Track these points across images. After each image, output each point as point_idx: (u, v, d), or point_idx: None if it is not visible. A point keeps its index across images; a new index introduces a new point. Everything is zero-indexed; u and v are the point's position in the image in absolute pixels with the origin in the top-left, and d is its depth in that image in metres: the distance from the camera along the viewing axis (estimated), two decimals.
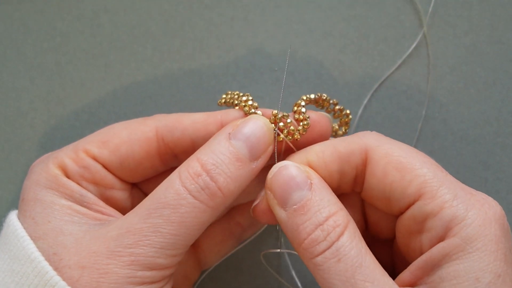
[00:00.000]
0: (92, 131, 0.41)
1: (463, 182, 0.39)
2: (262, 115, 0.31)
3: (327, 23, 0.41)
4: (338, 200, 0.28)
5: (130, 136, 0.31)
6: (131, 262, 0.26)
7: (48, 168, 0.31)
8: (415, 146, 0.40)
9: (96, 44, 0.42)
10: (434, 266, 0.26)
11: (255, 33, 0.41)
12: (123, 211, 0.34)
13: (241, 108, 0.31)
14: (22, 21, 0.42)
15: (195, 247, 0.36)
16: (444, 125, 0.40)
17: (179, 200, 0.27)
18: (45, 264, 0.27)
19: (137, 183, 0.34)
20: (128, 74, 0.42)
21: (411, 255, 0.29)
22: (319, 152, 0.29)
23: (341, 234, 0.26)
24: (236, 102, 0.32)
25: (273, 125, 0.30)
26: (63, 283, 0.26)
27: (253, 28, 0.41)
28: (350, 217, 0.27)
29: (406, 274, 0.27)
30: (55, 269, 0.27)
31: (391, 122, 0.41)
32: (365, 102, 0.41)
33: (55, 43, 0.42)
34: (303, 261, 0.27)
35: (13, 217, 0.30)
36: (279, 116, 0.31)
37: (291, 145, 0.31)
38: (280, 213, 0.28)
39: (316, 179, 0.28)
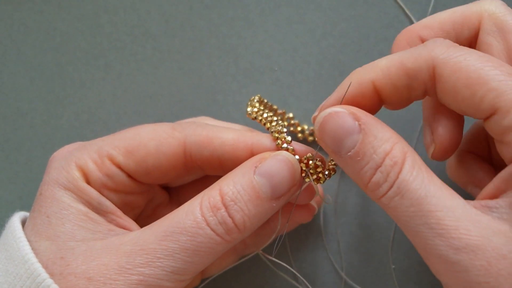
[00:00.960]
0: (92, 131, 0.42)
1: None
2: (293, 150, 0.30)
3: (327, 23, 0.41)
4: (392, 131, 0.27)
5: (157, 149, 0.31)
6: (139, 282, 0.26)
7: (69, 168, 0.30)
8: (415, 147, 0.40)
9: (96, 44, 0.42)
10: None
11: (255, 33, 0.41)
12: (139, 209, 0.34)
13: (274, 139, 0.30)
14: (22, 21, 0.42)
15: None
16: None
17: (197, 229, 0.27)
18: (38, 266, 0.27)
19: None
20: (128, 74, 0.42)
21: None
22: (384, 69, 0.28)
23: (400, 170, 0.25)
24: (268, 125, 0.31)
25: (302, 164, 0.30)
26: (55, 286, 0.26)
27: (253, 28, 0.41)
28: (407, 148, 0.26)
29: (490, 187, 0.26)
30: (60, 274, 0.27)
31: (391, 122, 0.40)
32: None
33: (55, 43, 0.42)
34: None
35: (15, 218, 0.30)
36: (311, 161, 0.30)
37: (316, 188, 0.31)
38: (338, 160, 0.27)
39: (364, 118, 0.27)
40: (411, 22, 0.41)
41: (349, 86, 0.28)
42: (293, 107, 0.41)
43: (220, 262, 0.36)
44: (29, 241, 0.28)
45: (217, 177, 0.30)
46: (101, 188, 0.30)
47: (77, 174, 0.30)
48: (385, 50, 0.41)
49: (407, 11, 0.41)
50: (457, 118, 0.30)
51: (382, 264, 0.39)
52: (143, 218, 0.35)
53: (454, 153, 0.31)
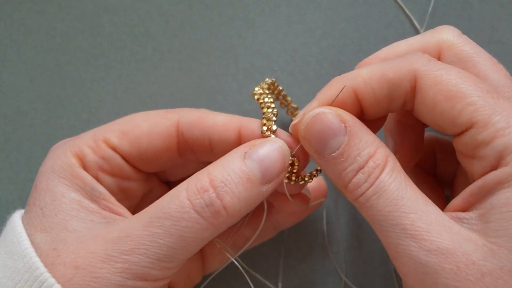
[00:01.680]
0: None
1: None
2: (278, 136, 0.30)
3: (327, 23, 0.41)
4: (374, 136, 0.27)
5: (151, 129, 0.31)
6: (124, 270, 0.26)
7: (65, 155, 0.30)
8: None
9: (96, 44, 0.42)
10: (486, 193, 0.25)
11: (255, 33, 0.41)
12: (136, 199, 0.34)
13: (261, 125, 0.31)
14: (22, 21, 0.42)
15: (202, 251, 0.36)
16: None
17: (182, 214, 0.26)
18: (37, 260, 0.27)
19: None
20: (128, 74, 0.42)
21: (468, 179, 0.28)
22: (366, 78, 0.28)
23: (381, 172, 0.26)
24: (264, 110, 0.32)
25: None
26: (52, 280, 0.26)
27: (253, 28, 0.41)
28: (388, 152, 0.27)
29: (458, 200, 0.27)
30: (51, 264, 0.27)
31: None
32: None
33: (55, 43, 0.42)
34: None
35: (16, 215, 0.30)
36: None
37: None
38: (320, 160, 0.28)
39: (350, 121, 0.27)
40: (411, 22, 0.41)
41: (342, 90, 0.28)
42: None
43: (221, 258, 0.36)
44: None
45: None
46: (97, 172, 0.31)
47: (72, 161, 0.30)
48: None
49: (407, 11, 0.41)
50: (420, 131, 0.32)
51: (382, 264, 0.39)
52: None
53: (416, 162, 0.32)
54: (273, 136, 0.30)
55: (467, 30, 0.41)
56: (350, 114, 0.28)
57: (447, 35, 0.31)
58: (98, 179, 0.31)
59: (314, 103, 0.29)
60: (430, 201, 0.26)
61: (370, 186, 0.26)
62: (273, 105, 0.32)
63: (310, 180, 0.31)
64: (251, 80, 0.41)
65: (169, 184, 0.37)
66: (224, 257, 0.36)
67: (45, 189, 0.29)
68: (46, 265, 0.27)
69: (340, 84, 0.28)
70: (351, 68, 0.41)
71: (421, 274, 0.25)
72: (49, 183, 0.29)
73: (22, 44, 0.42)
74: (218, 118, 0.31)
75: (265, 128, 0.30)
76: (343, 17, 0.41)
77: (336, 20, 0.41)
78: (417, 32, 0.41)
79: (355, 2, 0.41)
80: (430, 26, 0.41)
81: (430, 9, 0.41)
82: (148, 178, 0.34)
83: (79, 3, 0.42)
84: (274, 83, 0.37)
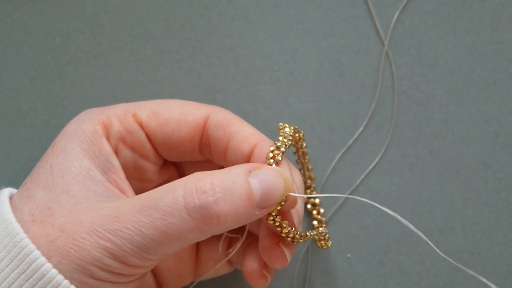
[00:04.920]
0: None
1: (463, 182, 0.40)
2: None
3: (327, 23, 0.41)
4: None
5: (181, 116, 0.32)
6: (105, 248, 0.26)
7: (91, 121, 0.31)
8: (415, 146, 0.40)
9: (96, 44, 0.42)
10: None
11: (255, 33, 0.41)
12: (149, 183, 0.34)
13: (270, 150, 0.30)
14: (22, 21, 0.42)
15: (198, 255, 0.36)
16: (444, 125, 0.40)
17: (172, 209, 0.26)
18: (16, 225, 0.27)
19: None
20: (128, 74, 0.42)
21: None
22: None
23: None
24: (280, 138, 0.31)
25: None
26: (32, 246, 0.26)
27: (253, 28, 0.41)
28: None
29: None
30: (41, 222, 0.27)
31: (391, 121, 0.41)
32: (365, 101, 0.41)
33: (55, 43, 0.42)
34: None
35: (5, 189, 0.31)
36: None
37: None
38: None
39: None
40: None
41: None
42: (293, 107, 0.41)
43: (212, 266, 0.36)
44: (27, 188, 0.29)
45: None
46: (118, 141, 0.31)
47: (97, 128, 0.31)
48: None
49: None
50: None
51: (382, 264, 0.39)
52: None
53: None
54: (274, 165, 0.30)
55: (467, 30, 0.41)
56: None
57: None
58: (117, 150, 0.31)
59: None
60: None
61: None
62: (290, 138, 0.31)
63: (289, 234, 0.30)
64: (251, 80, 0.41)
65: None
66: (216, 268, 0.36)
67: (61, 148, 0.30)
68: (35, 221, 0.27)
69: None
70: (351, 68, 0.41)
71: None
72: (67, 144, 0.30)
73: (22, 44, 0.42)
74: (244, 127, 0.32)
75: (271, 154, 0.30)
76: (343, 17, 0.41)
77: (336, 20, 0.41)
78: None
79: (355, 2, 0.41)
80: (430, 25, 0.41)
81: (430, 9, 0.41)
82: (166, 166, 0.35)
83: (79, 3, 0.42)
84: (300, 133, 0.36)
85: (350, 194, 0.40)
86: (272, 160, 0.30)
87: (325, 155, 0.40)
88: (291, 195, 0.30)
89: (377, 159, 0.40)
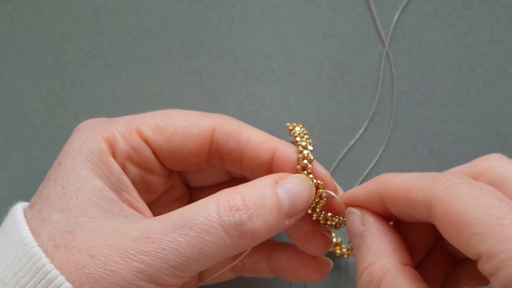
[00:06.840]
0: None
1: None
2: (311, 169, 0.30)
3: (327, 23, 0.41)
4: (385, 247, 0.27)
5: (186, 129, 0.31)
6: (139, 270, 0.26)
7: (95, 139, 0.30)
8: (415, 146, 0.40)
9: (96, 44, 0.42)
10: None
11: (255, 33, 0.41)
12: (155, 193, 0.34)
13: (297, 152, 0.30)
14: (22, 21, 0.42)
15: None
16: (444, 125, 0.40)
17: (208, 228, 0.26)
18: (38, 250, 0.26)
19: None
20: (128, 74, 0.42)
21: None
22: (394, 189, 0.27)
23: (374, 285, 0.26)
24: (297, 138, 0.31)
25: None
26: (56, 271, 0.25)
27: (253, 28, 0.41)
28: (389, 266, 0.26)
29: None
30: (65, 247, 0.26)
31: (391, 121, 0.41)
32: (365, 101, 0.41)
33: (55, 43, 0.42)
34: None
35: (18, 206, 0.30)
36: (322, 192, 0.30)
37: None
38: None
39: (368, 225, 0.28)
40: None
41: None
42: (293, 107, 0.41)
43: (215, 272, 0.36)
44: (39, 210, 0.28)
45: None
46: (124, 160, 0.30)
47: (103, 146, 0.30)
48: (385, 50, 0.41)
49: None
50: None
51: None
52: (158, 206, 0.35)
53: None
54: (310, 165, 0.30)
55: (467, 30, 0.41)
56: (374, 216, 0.28)
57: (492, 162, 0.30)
58: (124, 168, 0.31)
59: (356, 191, 0.30)
60: None
61: None
62: (307, 137, 0.31)
63: (333, 223, 0.31)
64: (251, 80, 0.41)
65: (188, 186, 0.37)
66: (219, 275, 0.36)
67: (70, 168, 0.29)
68: (59, 246, 0.26)
69: (374, 188, 0.28)
70: (351, 67, 0.41)
71: None
72: (75, 164, 0.29)
73: (22, 44, 0.42)
74: (255, 133, 0.32)
75: (301, 155, 0.30)
76: (343, 17, 0.41)
77: (336, 20, 0.41)
78: None
79: (355, 2, 0.41)
80: (430, 25, 0.41)
81: (430, 9, 0.41)
82: (171, 175, 0.34)
83: (79, 3, 0.42)
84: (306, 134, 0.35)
85: None
86: (306, 161, 0.30)
87: (325, 155, 0.40)
88: (329, 193, 0.30)
89: (377, 159, 0.40)
